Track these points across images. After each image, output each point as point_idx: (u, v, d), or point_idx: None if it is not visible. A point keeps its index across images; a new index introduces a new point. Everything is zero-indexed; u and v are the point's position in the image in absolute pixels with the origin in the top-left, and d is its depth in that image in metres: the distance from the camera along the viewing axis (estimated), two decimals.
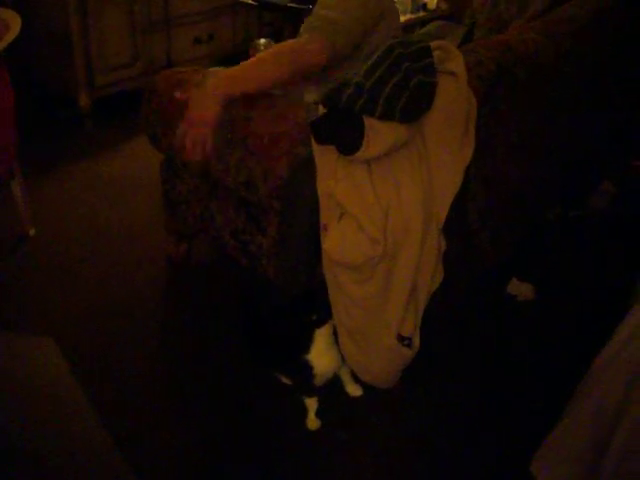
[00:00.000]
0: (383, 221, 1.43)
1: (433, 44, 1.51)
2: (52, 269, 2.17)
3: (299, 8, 3.14)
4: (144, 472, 1.49)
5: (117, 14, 3.03)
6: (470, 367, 1.84)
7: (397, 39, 1.46)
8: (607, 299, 2.01)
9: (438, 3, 3.68)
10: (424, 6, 3.63)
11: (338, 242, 1.46)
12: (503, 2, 2.17)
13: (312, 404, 1.62)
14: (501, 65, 1.66)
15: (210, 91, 1.51)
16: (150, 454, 1.55)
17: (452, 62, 1.50)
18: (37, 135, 2.98)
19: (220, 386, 1.74)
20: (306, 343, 1.54)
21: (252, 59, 1.61)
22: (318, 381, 1.58)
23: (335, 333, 1.56)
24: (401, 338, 1.53)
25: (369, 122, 1.37)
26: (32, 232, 2.33)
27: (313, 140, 1.46)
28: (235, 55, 3.57)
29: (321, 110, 1.46)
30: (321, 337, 1.55)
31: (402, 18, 3.26)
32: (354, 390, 1.70)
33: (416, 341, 1.56)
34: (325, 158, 1.46)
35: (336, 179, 1.45)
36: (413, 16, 3.56)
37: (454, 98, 1.48)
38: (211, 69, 1.98)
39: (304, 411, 1.63)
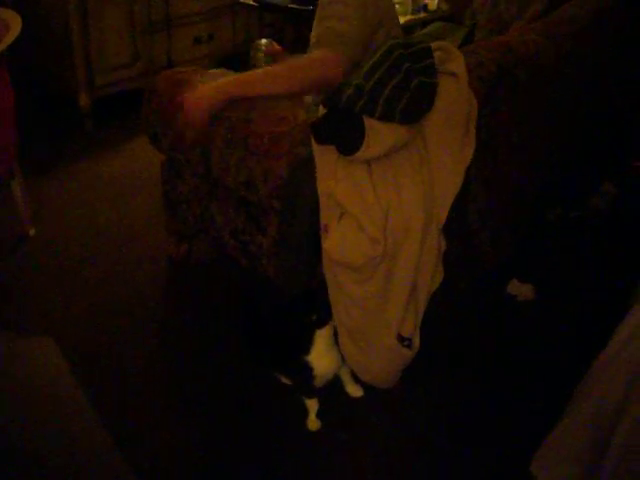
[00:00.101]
0: (383, 221, 1.43)
1: (434, 45, 1.51)
2: (52, 269, 2.17)
3: (300, 9, 3.14)
4: (144, 472, 1.49)
5: (117, 14, 3.03)
6: (470, 367, 1.84)
7: (398, 40, 1.46)
8: (607, 300, 2.01)
9: (439, 4, 3.68)
10: (425, 7, 3.63)
11: (338, 242, 1.46)
12: (503, 3, 2.17)
13: (312, 405, 1.62)
14: (502, 66, 1.66)
15: (216, 85, 1.60)
16: (150, 454, 1.54)
17: (453, 63, 1.50)
18: (37, 135, 2.98)
19: (220, 386, 1.74)
20: (306, 344, 1.54)
21: (266, 68, 1.64)
22: (318, 382, 1.58)
23: (335, 334, 1.56)
24: (401, 338, 1.53)
25: (369, 122, 1.37)
26: (32, 232, 2.33)
27: (313, 140, 1.46)
28: (235, 55, 3.58)
29: (321, 110, 1.46)
30: (321, 338, 1.55)
31: (403, 19, 3.27)
32: (354, 391, 1.70)
33: (416, 341, 1.56)
34: (325, 158, 1.46)
35: (336, 179, 1.45)
36: (414, 17, 3.57)
37: (455, 99, 1.48)
38: (211, 70, 1.98)
39: (304, 411, 1.63)
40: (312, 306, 1.55)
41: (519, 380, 1.80)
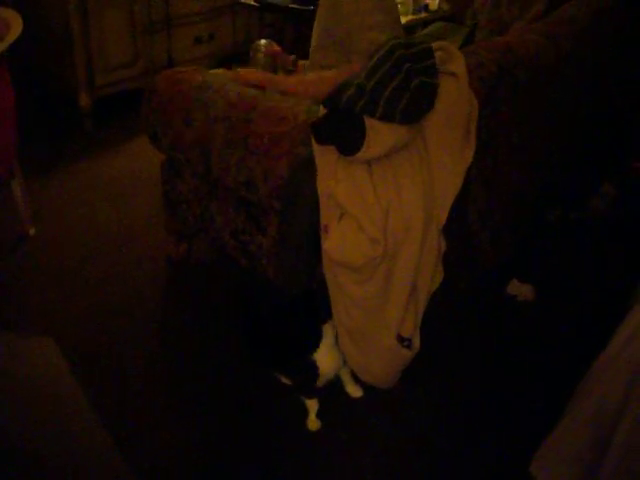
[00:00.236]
0: (383, 221, 1.43)
1: (435, 45, 1.51)
2: (52, 269, 2.17)
3: (300, 9, 3.14)
4: (144, 472, 1.49)
5: (117, 14, 3.03)
6: (470, 367, 1.84)
7: (399, 40, 1.46)
8: (607, 301, 2.01)
9: (440, 4, 3.68)
10: (426, 7, 3.63)
11: (338, 242, 1.46)
12: (504, 4, 2.17)
13: (312, 405, 1.62)
14: (502, 67, 1.66)
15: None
16: (150, 454, 1.54)
17: (453, 63, 1.50)
18: (37, 135, 2.98)
19: (220, 386, 1.74)
20: (315, 341, 1.53)
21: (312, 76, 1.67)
22: (321, 381, 1.58)
23: (335, 334, 1.57)
24: (401, 339, 1.53)
25: (370, 122, 1.37)
26: (32, 232, 2.33)
27: (313, 140, 1.46)
28: (236, 55, 3.58)
29: (322, 111, 1.46)
30: (329, 334, 1.55)
31: (404, 19, 3.27)
32: (354, 391, 1.70)
33: (416, 342, 1.56)
34: (325, 158, 1.46)
35: (336, 179, 1.45)
36: (415, 17, 3.57)
37: (455, 100, 1.48)
38: (212, 70, 1.98)
39: (304, 411, 1.63)
40: (312, 306, 1.55)
41: (519, 380, 1.80)
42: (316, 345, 1.54)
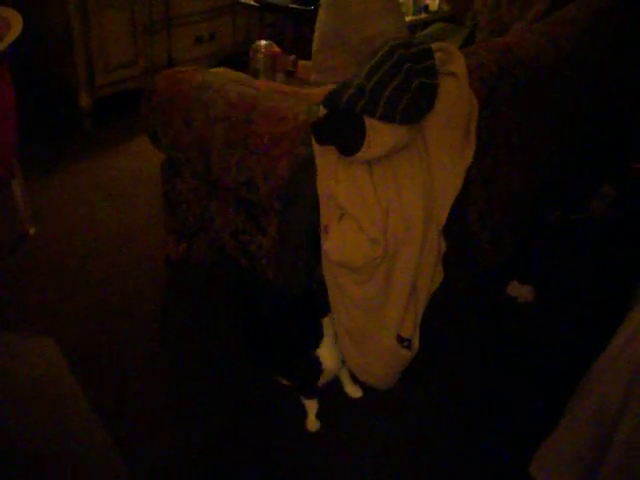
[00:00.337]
0: (383, 222, 1.43)
1: (435, 46, 1.51)
2: (52, 268, 2.17)
3: (300, 9, 3.14)
4: (144, 472, 1.49)
5: (118, 14, 3.03)
6: (470, 367, 1.84)
7: (399, 40, 1.46)
8: (607, 302, 2.01)
9: (440, 5, 3.68)
10: (426, 8, 3.63)
11: (338, 243, 1.46)
12: (504, 4, 2.17)
13: (312, 406, 1.62)
14: (502, 67, 1.66)
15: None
16: (150, 454, 1.54)
17: (454, 64, 1.50)
18: (37, 135, 2.98)
19: (220, 386, 1.74)
20: (316, 336, 1.54)
21: None
22: (325, 377, 1.58)
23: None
24: (401, 339, 1.53)
25: (370, 123, 1.37)
26: (32, 231, 2.33)
27: (314, 140, 1.46)
28: (236, 55, 3.58)
29: (322, 111, 1.46)
30: (329, 329, 1.55)
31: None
32: (354, 391, 1.70)
33: (415, 342, 1.56)
34: (326, 159, 1.46)
35: (337, 180, 1.45)
36: (415, 18, 3.57)
37: (455, 100, 1.49)
38: (212, 70, 1.98)
39: (304, 412, 1.63)
40: (312, 306, 1.55)
41: (519, 380, 1.80)
42: (318, 342, 1.54)
